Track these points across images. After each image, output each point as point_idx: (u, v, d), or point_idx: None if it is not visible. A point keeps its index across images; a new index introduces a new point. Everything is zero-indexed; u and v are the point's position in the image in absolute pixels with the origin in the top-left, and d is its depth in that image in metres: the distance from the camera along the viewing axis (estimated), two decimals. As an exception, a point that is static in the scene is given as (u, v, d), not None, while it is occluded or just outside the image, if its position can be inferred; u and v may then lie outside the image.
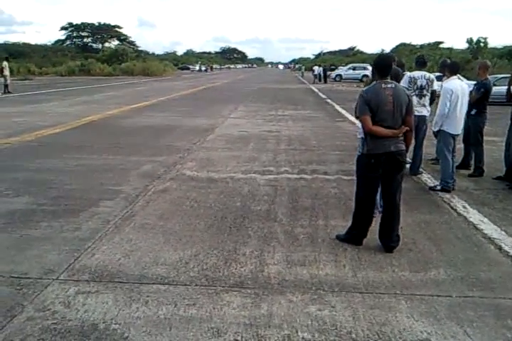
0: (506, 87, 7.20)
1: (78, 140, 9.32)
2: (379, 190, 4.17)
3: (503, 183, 6.31)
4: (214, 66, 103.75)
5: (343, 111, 15.34)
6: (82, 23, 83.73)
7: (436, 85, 6.63)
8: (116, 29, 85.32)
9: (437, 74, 9.51)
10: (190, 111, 15.17)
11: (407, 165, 6.32)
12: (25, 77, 39.60)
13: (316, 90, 28.35)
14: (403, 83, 5.96)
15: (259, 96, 23.33)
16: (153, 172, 6.68)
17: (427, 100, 6.49)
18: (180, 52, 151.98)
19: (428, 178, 6.49)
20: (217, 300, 3.13)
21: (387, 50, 62.68)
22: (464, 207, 5.26)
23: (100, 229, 4.39)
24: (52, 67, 52.35)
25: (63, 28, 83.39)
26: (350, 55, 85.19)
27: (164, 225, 4.53)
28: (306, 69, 63.48)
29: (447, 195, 5.68)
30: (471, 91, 6.44)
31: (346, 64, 54.44)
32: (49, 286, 3.28)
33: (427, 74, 6.54)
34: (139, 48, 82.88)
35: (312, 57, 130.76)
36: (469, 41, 35.19)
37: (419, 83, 6.42)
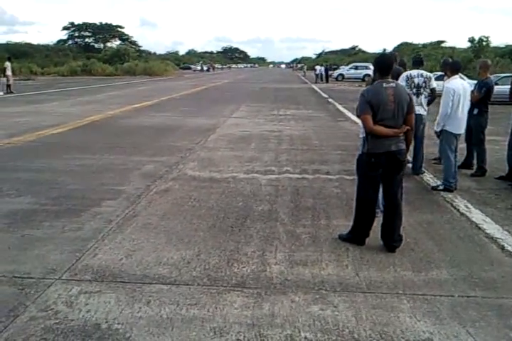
0: (509, 87, 7.20)
1: (80, 140, 9.33)
2: (380, 189, 4.17)
3: (506, 183, 6.30)
4: (216, 66, 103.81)
5: (345, 111, 15.32)
6: (84, 23, 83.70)
7: (434, 83, 6.61)
8: (118, 29, 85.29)
9: (439, 73, 9.50)
10: (192, 111, 15.18)
11: (409, 165, 6.33)
12: (28, 77, 39.66)
13: (317, 90, 28.34)
14: (400, 81, 5.95)
15: (260, 95, 23.33)
16: (155, 172, 6.68)
17: (423, 99, 6.47)
18: (182, 52, 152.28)
19: (430, 178, 6.48)
20: (219, 300, 3.13)
21: (389, 49, 62.55)
22: (467, 206, 5.25)
23: (102, 229, 4.39)
24: (54, 67, 52.40)
25: (65, 28, 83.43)
26: (352, 55, 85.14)
27: (166, 225, 4.53)
28: (307, 69, 63.51)
29: (450, 195, 5.67)
30: (472, 91, 6.43)
31: (348, 63, 54.45)
32: (51, 286, 3.29)
33: (424, 73, 6.52)
34: (141, 48, 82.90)
35: (314, 56, 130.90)
36: (471, 40, 35.13)
37: (416, 81, 6.40)
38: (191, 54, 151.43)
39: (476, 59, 26.30)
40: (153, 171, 6.72)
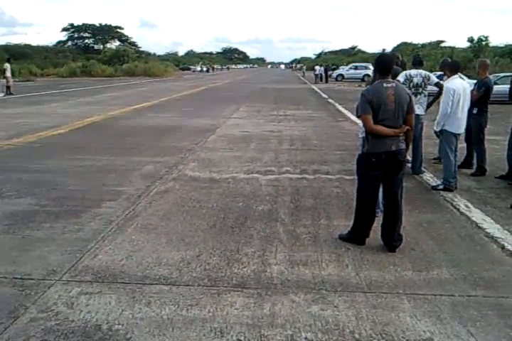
0: (509, 86, 7.20)
1: (80, 141, 9.33)
2: (380, 189, 4.17)
3: (506, 182, 6.30)
4: (215, 66, 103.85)
5: (345, 111, 15.32)
6: (84, 24, 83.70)
7: (435, 79, 6.59)
8: (118, 30, 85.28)
9: (438, 73, 9.50)
10: (192, 111, 15.18)
11: (409, 165, 6.32)
12: (27, 79, 39.68)
13: (317, 90, 28.34)
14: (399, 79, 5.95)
15: (260, 96, 23.34)
16: (156, 172, 6.68)
17: (422, 98, 6.46)
18: (181, 52, 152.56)
19: (430, 177, 6.48)
20: (219, 301, 3.12)
21: (389, 49, 62.59)
22: (467, 206, 5.25)
23: (103, 230, 4.39)
24: (54, 68, 52.40)
25: (64, 29, 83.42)
26: (352, 55, 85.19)
27: (166, 225, 4.53)
28: (307, 69, 63.52)
29: (450, 194, 5.67)
30: (472, 90, 6.42)
31: (347, 63, 54.45)
32: (52, 287, 3.29)
33: (423, 72, 6.52)
34: (141, 49, 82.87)
35: (313, 56, 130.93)
36: (471, 40, 35.15)
37: (415, 81, 6.40)
38: (191, 55, 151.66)
39: (476, 58, 26.31)
40: (154, 172, 6.72)
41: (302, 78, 51.06)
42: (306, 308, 3.04)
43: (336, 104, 18.09)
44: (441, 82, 6.57)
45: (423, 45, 54.46)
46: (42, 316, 2.92)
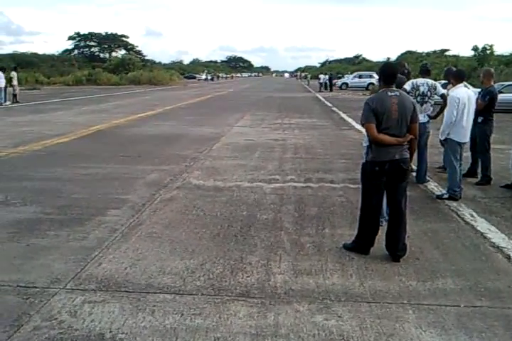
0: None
1: (85, 149, 9.38)
2: (385, 198, 4.16)
3: (511, 191, 6.27)
4: (220, 75, 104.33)
5: (349, 120, 15.34)
6: (90, 33, 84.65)
7: (442, 89, 6.60)
8: (123, 38, 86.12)
9: (443, 81, 9.50)
10: (197, 119, 15.24)
11: (413, 173, 6.31)
12: (33, 87, 39.97)
13: (321, 98, 28.41)
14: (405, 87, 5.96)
15: (264, 104, 23.41)
16: (160, 181, 6.70)
17: (428, 107, 6.47)
18: (186, 61, 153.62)
19: (435, 186, 6.46)
20: (223, 310, 3.12)
21: (393, 58, 62.78)
22: (472, 215, 5.23)
23: (107, 238, 4.40)
24: (60, 76, 52.79)
25: (71, 38, 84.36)
26: (356, 63, 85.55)
27: (170, 234, 4.53)
28: (311, 78, 63.76)
29: (454, 204, 5.65)
30: (476, 99, 6.42)
31: (352, 72, 54.60)
32: (56, 295, 3.29)
33: (430, 82, 6.53)
34: (146, 57, 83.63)
35: (318, 65, 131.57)
36: (475, 48, 35.21)
37: (421, 89, 6.41)
38: (196, 63, 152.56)
39: (480, 67, 26.34)
40: (158, 180, 6.74)
41: (306, 86, 51.22)
42: (310, 318, 3.03)
43: (340, 113, 18.12)
44: (445, 90, 6.58)
45: (427, 54, 54.64)
46: (45, 324, 2.92)
